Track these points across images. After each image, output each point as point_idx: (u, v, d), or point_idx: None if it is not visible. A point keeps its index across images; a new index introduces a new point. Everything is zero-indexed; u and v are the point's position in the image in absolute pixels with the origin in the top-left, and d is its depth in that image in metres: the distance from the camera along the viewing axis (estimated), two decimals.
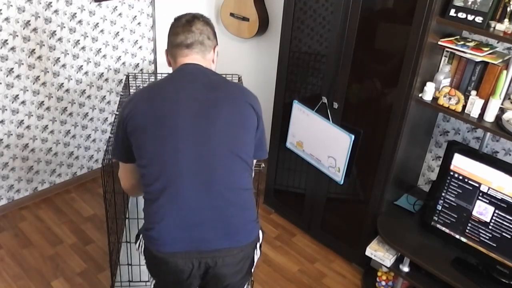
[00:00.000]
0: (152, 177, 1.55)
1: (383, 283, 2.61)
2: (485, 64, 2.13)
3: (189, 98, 1.58)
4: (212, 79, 1.67)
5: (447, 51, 2.25)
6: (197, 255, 1.56)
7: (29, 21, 2.76)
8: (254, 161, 1.78)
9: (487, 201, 2.14)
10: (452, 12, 2.07)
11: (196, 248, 1.55)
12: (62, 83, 3.06)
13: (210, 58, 1.75)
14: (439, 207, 2.32)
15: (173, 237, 1.55)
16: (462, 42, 2.16)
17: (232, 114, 1.59)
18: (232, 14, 3.43)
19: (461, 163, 2.19)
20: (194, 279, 1.62)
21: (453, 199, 2.26)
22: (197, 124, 1.55)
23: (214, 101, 1.59)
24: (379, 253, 2.45)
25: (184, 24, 1.67)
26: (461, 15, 2.05)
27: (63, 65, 3.02)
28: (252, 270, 1.77)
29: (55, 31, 2.89)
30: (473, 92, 2.16)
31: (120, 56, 3.30)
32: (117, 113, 2.43)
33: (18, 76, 2.83)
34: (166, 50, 1.75)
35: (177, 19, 1.71)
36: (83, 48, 3.08)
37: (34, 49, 2.84)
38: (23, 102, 2.91)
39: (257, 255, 1.73)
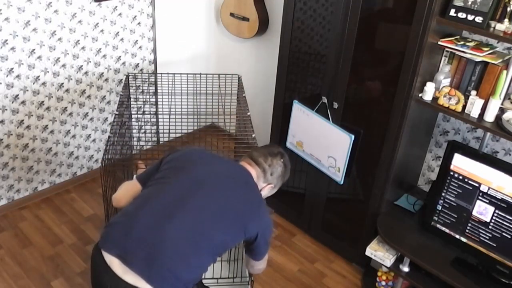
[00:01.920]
0: (134, 201, 1.75)
1: (383, 283, 2.61)
2: (485, 64, 2.13)
3: (215, 176, 1.78)
4: (246, 185, 1.82)
5: (447, 51, 2.25)
6: (112, 274, 1.60)
7: (29, 21, 2.76)
8: (251, 264, 1.96)
9: (487, 201, 2.13)
10: (452, 12, 2.07)
11: (120, 257, 1.60)
12: (62, 83, 3.06)
13: (261, 184, 1.89)
14: (439, 207, 2.32)
15: (112, 238, 1.65)
16: (462, 42, 2.16)
17: (227, 210, 1.72)
18: (232, 14, 3.43)
19: (461, 163, 2.19)
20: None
21: (453, 199, 2.26)
22: (196, 190, 1.72)
23: (229, 195, 1.75)
24: (379, 253, 2.45)
25: (270, 152, 1.90)
26: (461, 15, 2.05)
27: (63, 65, 3.02)
28: None
29: (55, 31, 2.89)
30: (473, 92, 2.16)
31: (120, 56, 3.30)
32: (117, 113, 2.44)
33: (18, 76, 2.83)
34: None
35: (275, 147, 1.96)
36: (83, 48, 3.08)
37: (34, 49, 2.84)
38: (23, 102, 2.91)
39: None
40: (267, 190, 1.91)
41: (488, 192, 2.13)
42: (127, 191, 1.86)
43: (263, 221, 1.80)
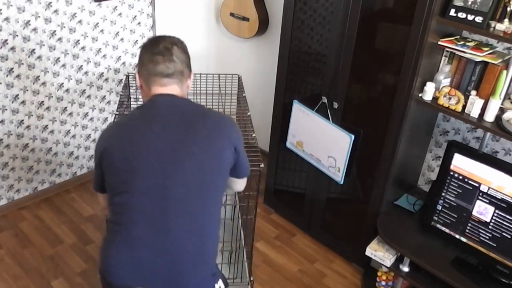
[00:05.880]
0: (113, 214, 1.57)
1: (383, 283, 2.61)
2: (485, 64, 2.12)
3: (158, 139, 1.52)
4: (186, 114, 1.58)
5: (447, 51, 2.25)
6: None
7: (29, 21, 2.76)
8: (240, 182, 1.78)
9: (487, 201, 2.13)
10: (452, 12, 2.07)
11: (142, 287, 1.52)
12: (62, 83, 3.06)
13: (186, 86, 1.67)
14: (439, 207, 2.32)
15: (123, 274, 1.54)
16: (462, 42, 2.16)
17: (203, 156, 1.53)
18: (232, 14, 3.43)
19: (461, 163, 2.19)
20: None
21: (453, 199, 2.26)
22: (163, 168, 1.50)
23: (185, 142, 1.52)
24: (379, 253, 2.45)
25: (164, 52, 1.58)
26: (461, 15, 2.05)
27: (63, 65, 3.02)
28: None
29: (55, 31, 2.89)
30: (473, 92, 2.16)
31: (120, 56, 3.30)
32: (117, 113, 2.43)
33: (18, 76, 2.83)
34: (139, 73, 1.63)
35: (154, 43, 1.60)
36: (83, 48, 3.08)
37: (34, 49, 2.84)
38: (23, 102, 2.91)
39: None
40: (190, 82, 1.69)
41: (488, 192, 2.12)
42: (105, 201, 1.73)
43: (233, 130, 1.63)
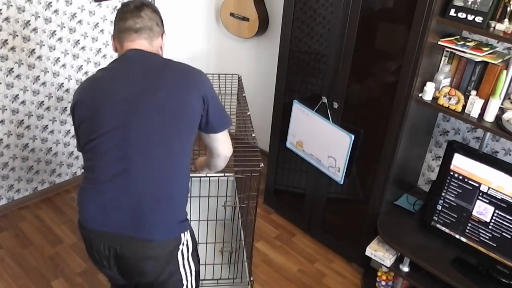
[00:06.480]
0: (85, 161, 1.64)
1: (383, 283, 2.61)
2: (485, 64, 2.13)
3: (124, 88, 1.57)
4: (152, 65, 1.64)
5: (447, 51, 2.25)
6: (108, 237, 1.58)
7: (29, 21, 2.76)
8: (223, 141, 1.76)
9: (487, 201, 2.13)
10: (452, 12, 2.07)
11: (110, 230, 1.57)
12: (62, 83, 3.06)
13: (157, 45, 1.73)
14: (439, 207, 2.32)
15: (93, 216, 1.59)
16: (462, 42, 2.16)
17: (167, 104, 1.57)
18: (232, 14, 3.43)
19: (461, 163, 2.19)
20: (107, 261, 1.62)
21: (453, 199, 2.26)
22: (126, 113, 1.55)
23: (150, 89, 1.57)
24: (379, 253, 2.45)
25: (133, 10, 1.66)
26: (461, 15, 2.05)
27: (63, 65, 3.02)
28: None
29: (55, 31, 2.90)
30: (473, 92, 2.17)
31: None
32: None
33: (18, 76, 2.83)
34: (113, 36, 1.72)
35: (125, 5, 1.69)
36: (83, 48, 3.08)
37: (34, 49, 2.84)
38: (23, 102, 2.91)
39: (183, 267, 1.67)
40: (163, 42, 1.75)
41: (488, 192, 2.12)
42: None
43: (202, 80, 1.67)
